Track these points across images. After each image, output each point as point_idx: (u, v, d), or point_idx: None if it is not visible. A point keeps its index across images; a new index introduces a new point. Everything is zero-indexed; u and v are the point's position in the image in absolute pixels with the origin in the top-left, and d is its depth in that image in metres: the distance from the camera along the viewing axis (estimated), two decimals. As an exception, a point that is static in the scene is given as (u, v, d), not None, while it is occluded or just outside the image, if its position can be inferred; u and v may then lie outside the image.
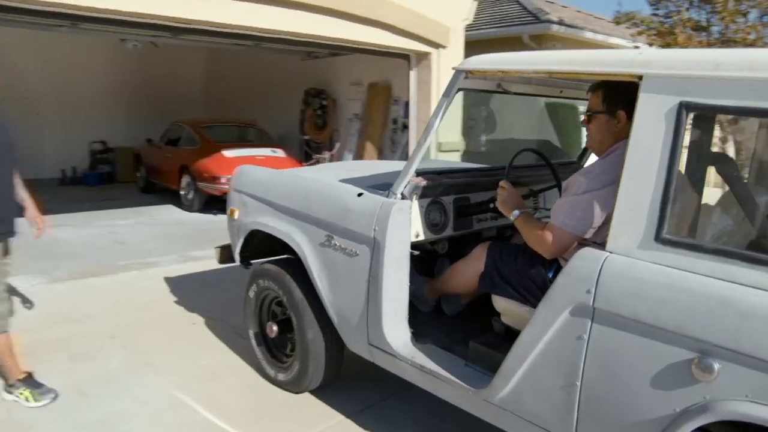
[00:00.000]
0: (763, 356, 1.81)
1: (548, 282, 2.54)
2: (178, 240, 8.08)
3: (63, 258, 6.81)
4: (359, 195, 3.17)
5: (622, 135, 2.46)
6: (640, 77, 2.17)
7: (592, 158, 2.90)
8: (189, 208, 10.47)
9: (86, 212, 9.87)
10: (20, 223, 3.52)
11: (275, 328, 3.75)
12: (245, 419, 3.47)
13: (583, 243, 2.44)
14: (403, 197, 3.01)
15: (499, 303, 2.92)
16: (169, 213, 10.41)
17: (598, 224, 2.46)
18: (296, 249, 3.46)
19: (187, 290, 5.77)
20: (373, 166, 4.44)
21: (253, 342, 3.96)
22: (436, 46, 9.59)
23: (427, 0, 9.20)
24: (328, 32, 8.09)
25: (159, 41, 10.63)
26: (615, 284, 2.16)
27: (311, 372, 3.55)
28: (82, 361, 4.15)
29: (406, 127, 10.69)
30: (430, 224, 3.25)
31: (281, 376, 3.76)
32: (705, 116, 2.13)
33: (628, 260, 2.17)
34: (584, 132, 2.83)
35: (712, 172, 2.42)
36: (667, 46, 8.05)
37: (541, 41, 11.52)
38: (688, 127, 2.10)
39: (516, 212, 2.74)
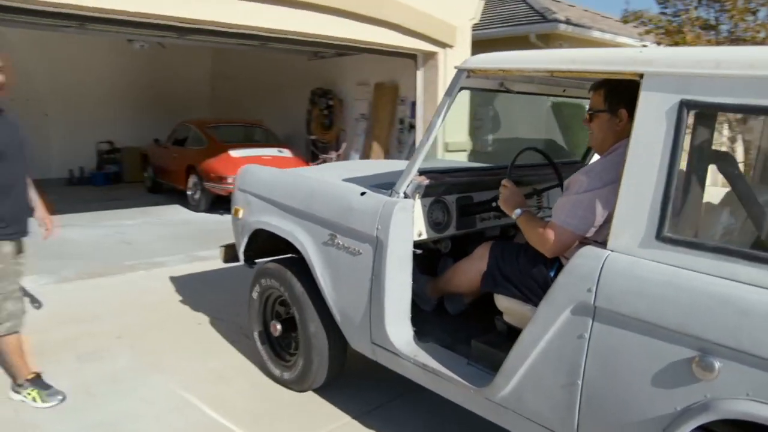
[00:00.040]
0: (763, 354, 1.81)
1: (550, 281, 2.53)
2: (185, 240, 8.11)
3: (70, 258, 6.85)
4: (362, 194, 3.18)
5: (623, 134, 2.45)
6: (641, 75, 2.17)
7: (597, 157, 2.90)
8: (196, 208, 10.50)
9: (93, 212, 9.92)
10: (29, 223, 3.54)
11: (279, 326, 3.77)
12: (251, 420, 3.47)
13: (584, 242, 2.44)
14: (406, 196, 3.01)
15: (501, 302, 2.92)
16: (176, 213, 10.44)
17: (599, 223, 2.46)
18: (300, 248, 3.47)
19: (194, 290, 5.78)
20: (376, 166, 4.45)
21: (257, 341, 3.98)
22: (443, 45, 9.59)
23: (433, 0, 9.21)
24: (335, 32, 8.10)
25: (166, 41, 10.67)
26: (616, 283, 2.16)
27: (314, 370, 3.55)
28: (89, 361, 4.16)
29: (413, 127, 10.69)
30: (433, 223, 3.26)
31: (285, 375, 3.77)
32: (706, 114, 2.12)
33: (629, 259, 2.16)
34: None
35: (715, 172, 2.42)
36: (676, 44, 8.03)
37: (548, 41, 11.50)
38: (689, 125, 2.09)
39: (518, 211, 2.74)
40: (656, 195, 2.10)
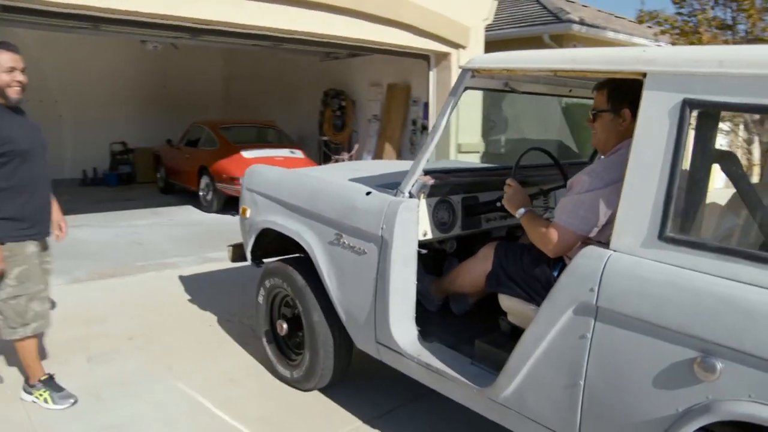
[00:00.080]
0: (766, 356, 1.79)
1: (553, 281, 2.53)
2: (197, 241, 8.14)
3: (83, 258, 6.89)
4: (367, 194, 3.18)
5: (626, 134, 2.44)
6: (644, 74, 2.16)
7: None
8: (208, 209, 10.54)
9: (106, 212, 9.99)
10: (51, 223, 3.60)
11: (285, 326, 3.78)
12: (262, 423, 3.47)
13: (587, 242, 2.43)
14: (411, 196, 3.01)
15: (505, 302, 2.92)
16: (187, 214, 10.48)
17: (601, 223, 2.45)
18: (306, 247, 3.48)
19: (205, 291, 5.80)
20: (383, 166, 4.45)
21: (264, 340, 3.99)
22: (456, 46, 9.56)
23: (447, 0, 9.19)
24: (347, 33, 8.10)
25: (179, 42, 10.74)
26: (618, 283, 2.15)
27: (320, 369, 3.56)
28: (99, 363, 4.17)
29: (425, 128, 10.69)
30: (438, 223, 3.26)
31: (291, 374, 3.78)
32: (709, 113, 2.10)
33: (631, 259, 2.15)
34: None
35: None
36: (692, 45, 7.97)
37: (561, 41, 11.46)
38: (692, 124, 2.08)
39: (521, 210, 2.74)
40: (659, 195, 2.09)
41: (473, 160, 9.17)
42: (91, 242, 7.81)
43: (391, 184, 3.19)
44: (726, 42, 7.90)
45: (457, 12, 9.38)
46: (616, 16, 13.93)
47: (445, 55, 9.68)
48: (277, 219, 3.74)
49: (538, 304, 2.50)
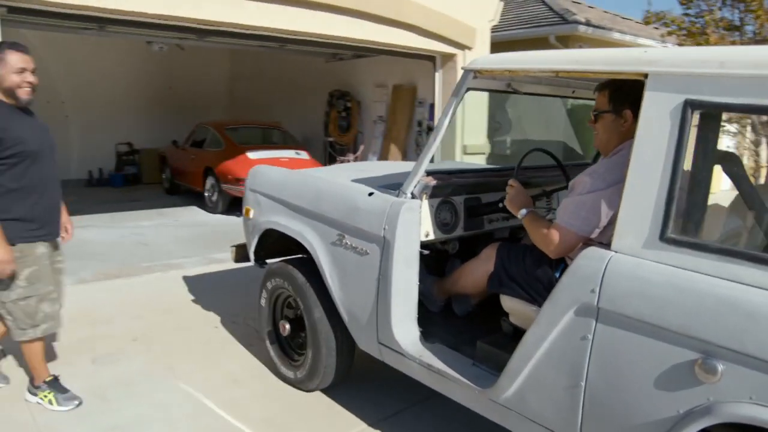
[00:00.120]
0: (767, 357, 1.78)
1: (555, 282, 2.51)
2: (202, 242, 8.15)
3: (88, 259, 6.90)
4: (370, 194, 3.18)
5: (628, 135, 2.44)
6: (646, 75, 2.16)
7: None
8: (213, 210, 10.54)
9: (111, 213, 10.02)
10: (60, 224, 3.60)
11: (288, 326, 3.78)
12: (265, 424, 3.46)
13: (588, 243, 2.43)
14: (413, 197, 3.01)
15: (507, 302, 2.91)
16: (193, 214, 10.49)
17: (603, 224, 2.44)
18: (308, 248, 3.48)
19: (210, 292, 5.81)
20: (386, 167, 4.44)
21: (267, 340, 4.00)
22: (462, 47, 9.56)
23: (453, 1, 9.19)
24: (353, 33, 8.12)
25: (184, 43, 10.77)
26: (619, 284, 2.14)
27: (322, 367, 3.56)
28: (104, 364, 4.17)
29: (431, 129, 10.66)
30: (440, 224, 3.25)
31: (294, 374, 3.79)
32: (711, 114, 2.09)
33: (632, 260, 2.15)
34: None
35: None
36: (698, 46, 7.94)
37: (567, 42, 11.44)
38: (694, 125, 2.07)
39: (523, 211, 2.73)
40: (660, 196, 2.08)
41: (479, 162, 9.16)
42: (96, 243, 7.83)
43: (393, 185, 3.19)
44: (733, 43, 7.86)
45: (463, 13, 9.38)
46: (623, 17, 13.90)
47: (450, 56, 9.69)
48: (280, 219, 3.74)
49: (540, 305, 2.49)
